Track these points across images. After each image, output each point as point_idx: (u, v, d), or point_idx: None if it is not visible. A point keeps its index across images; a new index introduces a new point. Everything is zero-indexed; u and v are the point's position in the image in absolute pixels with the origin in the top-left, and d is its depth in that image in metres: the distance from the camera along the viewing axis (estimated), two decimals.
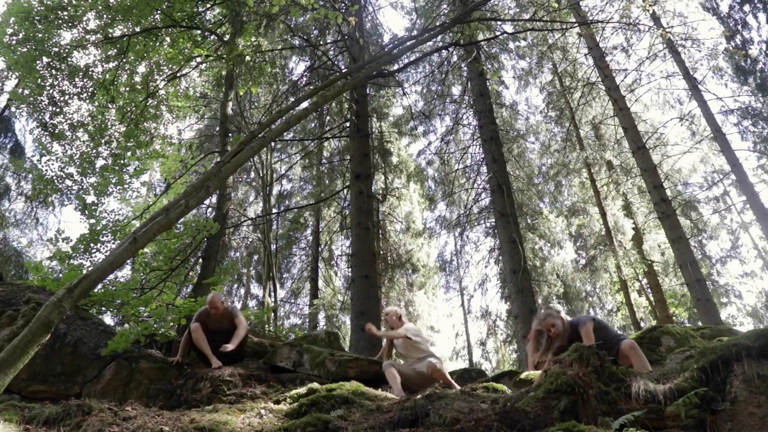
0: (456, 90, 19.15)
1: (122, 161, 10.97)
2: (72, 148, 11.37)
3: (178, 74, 12.07)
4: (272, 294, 18.05)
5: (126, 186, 10.58)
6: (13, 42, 9.97)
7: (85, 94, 11.00)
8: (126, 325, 6.68)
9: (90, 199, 10.41)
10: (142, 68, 11.68)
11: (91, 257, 9.65)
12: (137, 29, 10.61)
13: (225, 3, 11.10)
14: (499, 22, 14.55)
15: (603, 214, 19.20)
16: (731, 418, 2.90)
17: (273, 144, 18.05)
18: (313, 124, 18.71)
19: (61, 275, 9.33)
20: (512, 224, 13.12)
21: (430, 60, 18.23)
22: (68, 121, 11.24)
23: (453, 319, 36.61)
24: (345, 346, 12.90)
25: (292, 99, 14.40)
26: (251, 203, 24.36)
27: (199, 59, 12.17)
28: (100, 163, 11.23)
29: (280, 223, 21.53)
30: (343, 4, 14.17)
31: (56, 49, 10.36)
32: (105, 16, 10.38)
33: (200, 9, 11.58)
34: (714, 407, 2.96)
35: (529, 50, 19.39)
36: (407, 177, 19.81)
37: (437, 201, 19.98)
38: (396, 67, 13.30)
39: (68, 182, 11.15)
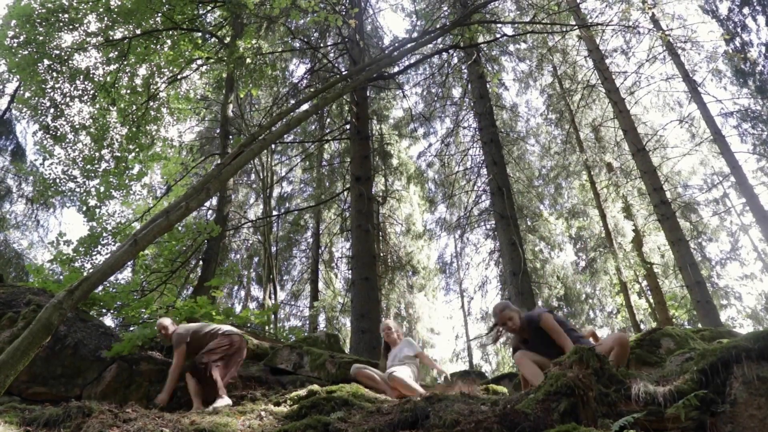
0: (456, 92, 19.19)
1: (124, 164, 10.99)
2: (74, 150, 11.40)
3: (179, 77, 12.09)
4: (272, 296, 18.07)
5: (130, 190, 10.61)
6: (14, 44, 9.99)
7: (86, 97, 11.02)
8: (134, 328, 6.65)
9: (92, 202, 10.44)
10: (143, 71, 11.71)
11: (92, 259, 9.67)
12: (138, 32, 10.63)
13: (225, 6, 11.11)
14: (499, 25, 14.57)
15: (603, 216, 19.20)
16: (731, 420, 2.90)
17: (273, 146, 18.08)
18: (313, 127, 18.72)
19: (61, 277, 9.35)
20: (512, 226, 13.12)
21: (431, 62, 18.26)
22: (69, 124, 11.26)
23: (453, 321, 36.70)
24: (345, 349, 12.91)
25: (292, 101, 14.41)
26: (251, 205, 24.40)
27: (199, 62, 12.19)
28: (102, 165, 11.25)
29: (281, 225, 21.54)
30: (343, 7, 14.19)
31: (57, 52, 10.38)
32: (106, 18, 10.41)
33: (201, 11, 11.60)
34: (714, 409, 2.96)
35: (529, 53, 19.42)
36: (407, 179, 19.81)
37: (437, 203, 19.98)
38: (396, 69, 13.30)
39: (71, 185, 11.15)
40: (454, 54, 16.79)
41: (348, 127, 15.12)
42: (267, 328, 13.70)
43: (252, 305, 23.33)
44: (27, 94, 11.07)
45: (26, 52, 10.05)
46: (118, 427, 3.80)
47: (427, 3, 17.18)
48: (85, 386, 5.99)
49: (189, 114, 13.94)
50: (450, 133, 18.43)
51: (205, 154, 18.74)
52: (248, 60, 11.70)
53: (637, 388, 3.24)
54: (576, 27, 14.97)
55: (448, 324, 36.38)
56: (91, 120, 11.29)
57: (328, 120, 18.02)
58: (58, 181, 11.15)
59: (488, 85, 15.88)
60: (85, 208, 10.31)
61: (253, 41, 11.98)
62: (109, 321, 9.29)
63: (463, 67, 17.04)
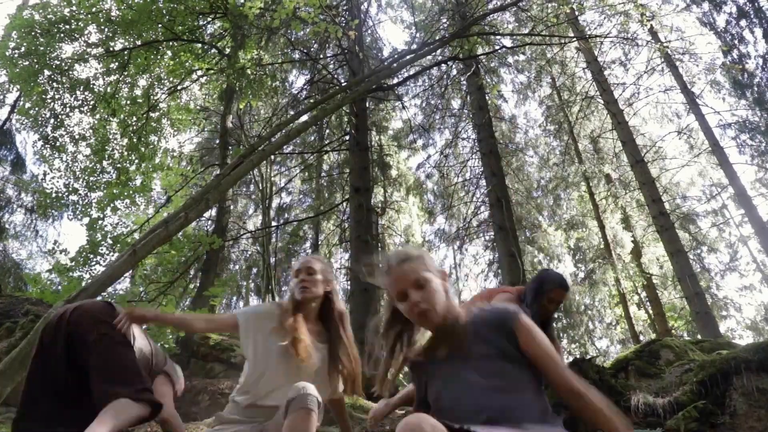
0: (455, 103, 19.24)
1: (127, 175, 10.99)
2: (75, 161, 11.41)
3: (179, 87, 12.13)
4: None
5: (134, 201, 10.61)
6: (15, 55, 10.03)
7: (86, 107, 11.05)
8: None
9: (95, 214, 10.43)
10: (143, 81, 11.75)
11: (91, 269, 9.64)
12: (138, 42, 10.68)
13: (226, 17, 11.17)
14: (498, 37, 14.63)
15: (602, 228, 19.22)
16: (731, 431, 2.89)
17: (272, 157, 18.10)
18: (312, 138, 18.76)
19: (60, 287, 9.33)
20: (511, 238, 13.12)
21: (430, 74, 18.32)
22: (69, 134, 11.28)
23: None
24: None
25: (291, 112, 14.45)
26: (251, 216, 24.37)
27: (199, 72, 12.24)
28: (104, 176, 11.26)
29: (280, 236, 21.51)
30: (343, 18, 14.26)
31: (58, 63, 10.42)
32: (106, 29, 10.46)
33: (201, 23, 11.66)
34: (713, 421, 2.96)
35: (527, 64, 19.49)
36: (406, 190, 19.84)
37: (436, 214, 19.99)
38: (395, 80, 13.36)
39: (74, 197, 11.14)
40: (453, 66, 16.85)
41: (347, 138, 15.15)
42: None
43: None
44: (27, 105, 11.10)
45: (27, 63, 10.10)
46: None
47: (426, 15, 17.28)
48: None
49: (189, 125, 13.98)
50: (449, 145, 18.47)
51: (204, 164, 18.76)
52: (249, 71, 11.75)
53: (637, 400, 3.23)
54: (574, 39, 15.07)
55: None
56: (91, 131, 11.32)
57: (328, 131, 18.06)
58: (60, 194, 11.15)
59: (487, 97, 15.94)
60: (88, 220, 10.28)
61: (254, 52, 12.04)
62: None
63: (462, 79, 17.11)
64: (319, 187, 19.61)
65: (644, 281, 18.43)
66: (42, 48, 10.03)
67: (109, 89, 10.97)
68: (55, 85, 10.69)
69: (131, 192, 10.76)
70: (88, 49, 10.66)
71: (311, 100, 13.87)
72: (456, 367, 1.91)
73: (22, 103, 12.18)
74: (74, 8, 10.23)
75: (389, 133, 19.73)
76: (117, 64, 10.86)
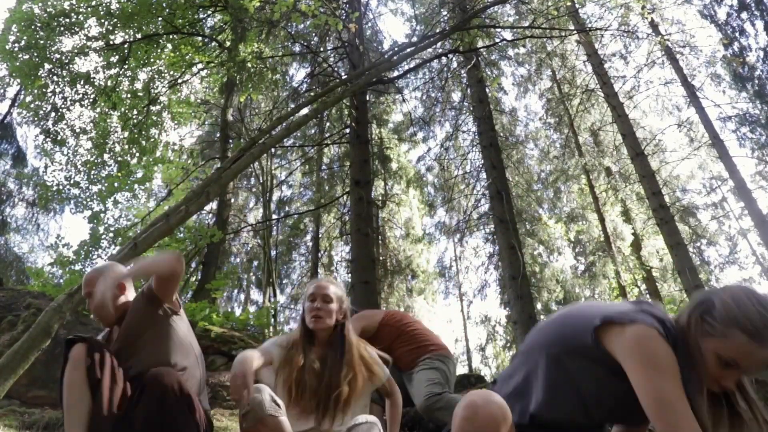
0: (455, 96, 19.19)
1: (128, 168, 11.00)
2: (76, 155, 11.42)
3: (180, 81, 12.12)
4: (272, 299, 18.09)
5: (135, 193, 10.62)
6: (15, 49, 10.03)
7: (86, 101, 11.05)
8: None
9: (96, 207, 10.46)
10: (143, 75, 11.74)
11: (92, 262, 9.68)
12: (138, 36, 10.67)
13: (226, 10, 11.15)
14: (498, 30, 14.60)
15: (602, 220, 19.23)
16: None
17: (273, 150, 18.10)
18: (313, 131, 18.76)
19: (61, 281, 9.37)
20: (511, 230, 13.13)
21: (430, 66, 18.28)
22: (70, 128, 11.28)
23: (452, 324, 36.54)
24: None
25: (292, 105, 14.45)
26: (251, 209, 24.41)
27: (200, 65, 12.23)
28: (105, 170, 11.28)
29: (280, 229, 21.55)
30: (343, 11, 14.23)
31: (58, 56, 10.41)
32: (106, 22, 10.44)
33: (201, 16, 11.64)
34: None
35: (528, 57, 19.45)
36: (407, 183, 19.84)
37: (437, 207, 20.01)
38: (396, 73, 13.35)
39: (75, 191, 11.16)
40: (454, 58, 16.82)
41: (348, 131, 15.14)
42: (267, 331, 13.73)
43: (252, 308, 23.32)
44: (28, 99, 11.10)
45: (27, 57, 10.09)
46: None
47: (426, 7, 17.23)
48: None
49: (189, 118, 13.97)
50: (449, 137, 18.45)
51: (205, 158, 18.77)
52: (249, 64, 11.74)
53: None
54: (575, 32, 15.04)
55: (448, 328, 36.30)
56: (92, 124, 11.32)
57: (328, 124, 18.04)
58: (61, 187, 11.17)
59: (487, 90, 15.92)
60: (89, 214, 10.31)
61: (255, 45, 12.03)
62: None
63: (463, 72, 17.07)
64: (320, 180, 19.63)
65: (644, 274, 18.48)
66: (42, 41, 10.02)
67: (109, 83, 10.97)
68: (55, 78, 10.68)
69: (132, 184, 10.78)
70: (89, 43, 10.64)
71: (311, 93, 13.86)
72: None
73: (22, 96, 12.19)
74: (74, 1, 10.22)
75: (389, 126, 19.72)
76: (117, 57, 10.85)
